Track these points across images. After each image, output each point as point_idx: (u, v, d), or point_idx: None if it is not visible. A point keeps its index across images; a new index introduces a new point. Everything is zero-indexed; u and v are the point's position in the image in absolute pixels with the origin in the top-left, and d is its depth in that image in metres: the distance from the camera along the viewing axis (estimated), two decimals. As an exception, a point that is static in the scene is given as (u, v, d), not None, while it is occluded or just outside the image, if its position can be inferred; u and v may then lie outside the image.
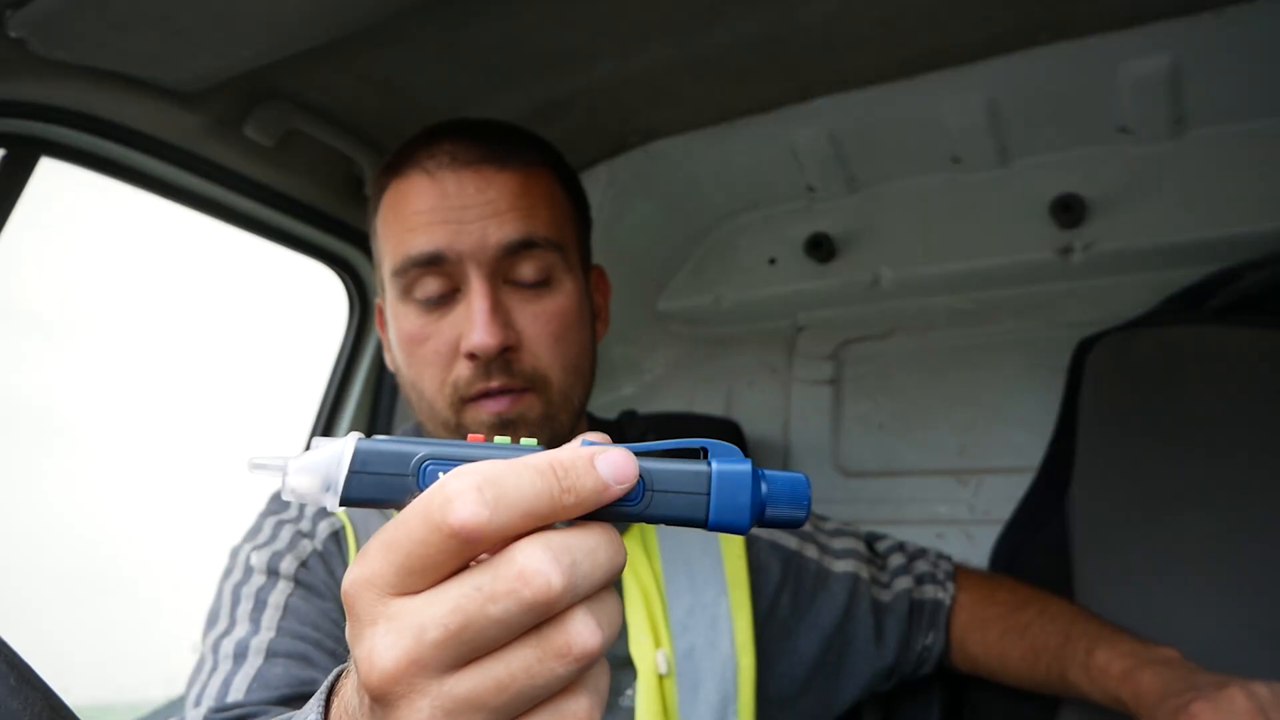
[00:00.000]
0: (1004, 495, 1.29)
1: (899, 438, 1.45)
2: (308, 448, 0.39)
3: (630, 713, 0.78)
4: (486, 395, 0.79)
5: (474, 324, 0.76)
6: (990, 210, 1.33)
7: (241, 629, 0.75)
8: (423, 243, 0.78)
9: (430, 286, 0.80)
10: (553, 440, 0.78)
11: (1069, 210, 1.23)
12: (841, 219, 1.45)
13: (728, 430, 1.48)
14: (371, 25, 0.92)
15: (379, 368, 1.46)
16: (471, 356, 0.77)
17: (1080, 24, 1.07)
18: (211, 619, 0.81)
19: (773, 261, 1.51)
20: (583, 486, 0.35)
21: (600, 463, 0.35)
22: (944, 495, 1.39)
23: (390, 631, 0.33)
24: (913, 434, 1.43)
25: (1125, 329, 1.17)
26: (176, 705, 1.30)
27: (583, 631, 0.33)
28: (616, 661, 0.80)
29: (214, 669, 0.73)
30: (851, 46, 1.12)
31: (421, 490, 0.36)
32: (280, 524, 0.86)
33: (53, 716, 0.40)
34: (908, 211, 1.40)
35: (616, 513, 0.37)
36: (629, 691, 0.79)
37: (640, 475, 0.37)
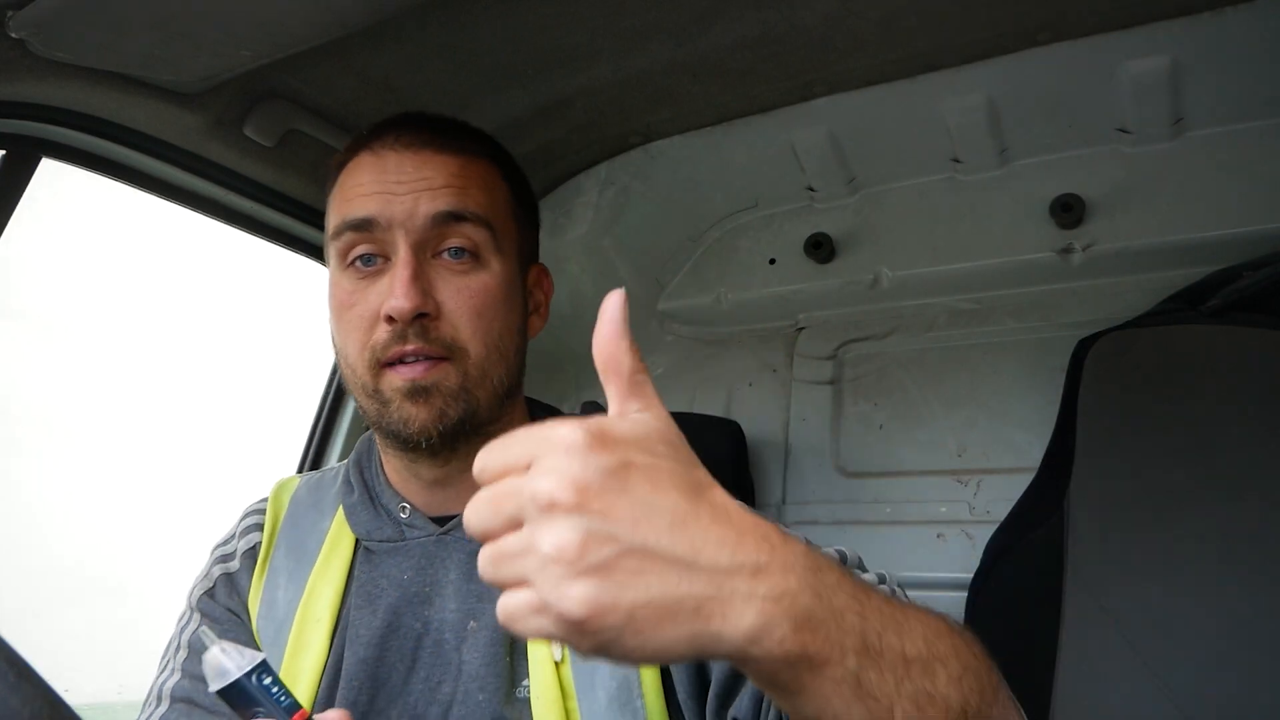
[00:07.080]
0: (1004, 495, 1.29)
1: (899, 438, 1.45)
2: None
3: (527, 704, 0.77)
4: (403, 361, 0.80)
5: (393, 289, 0.79)
6: (990, 210, 1.33)
7: (165, 672, 0.81)
8: (357, 209, 0.82)
9: (362, 254, 0.83)
10: (472, 418, 0.80)
11: (1069, 210, 1.23)
12: (841, 219, 1.45)
13: (728, 430, 1.48)
14: (371, 25, 0.92)
15: (379, 368, 1.45)
16: (390, 320, 0.79)
17: (1080, 24, 1.07)
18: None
19: (773, 261, 1.51)
20: None
21: None
22: (944, 495, 1.38)
23: None
24: (913, 434, 1.43)
25: (1125, 329, 1.17)
26: (176, 705, 1.30)
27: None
28: (511, 651, 0.80)
29: (141, 715, 0.78)
30: (851, 46, 1.12)
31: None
32: (213, 559, 0.89)
33: (52, 715, 0.40)
34: (908, 211, 1.40)
35: None
36: (525, 682, 0.78)
37: None
